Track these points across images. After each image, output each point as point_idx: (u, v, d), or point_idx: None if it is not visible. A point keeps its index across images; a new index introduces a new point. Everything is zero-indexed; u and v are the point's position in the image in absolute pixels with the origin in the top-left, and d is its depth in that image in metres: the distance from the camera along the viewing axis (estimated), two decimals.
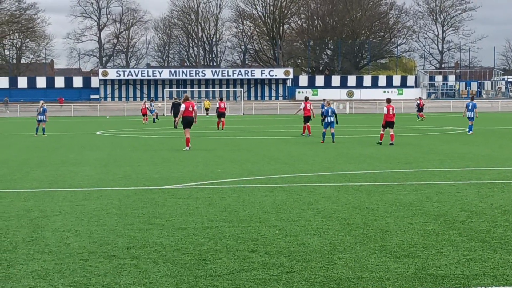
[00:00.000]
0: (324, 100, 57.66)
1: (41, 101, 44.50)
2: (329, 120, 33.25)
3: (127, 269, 9.01)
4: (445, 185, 17.14)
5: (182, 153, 27.48)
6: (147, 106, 60.59)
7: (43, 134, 41.69)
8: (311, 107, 39.42)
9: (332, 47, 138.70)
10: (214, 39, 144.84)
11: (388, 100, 32.64)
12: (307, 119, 39.18)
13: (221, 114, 48.63)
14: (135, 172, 20.67)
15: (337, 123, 33.58)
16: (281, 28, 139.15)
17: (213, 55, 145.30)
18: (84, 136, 41.89)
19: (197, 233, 11.25)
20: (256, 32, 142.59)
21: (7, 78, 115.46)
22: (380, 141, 31.78)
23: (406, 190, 16.20)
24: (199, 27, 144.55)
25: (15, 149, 31.14)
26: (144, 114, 59.75)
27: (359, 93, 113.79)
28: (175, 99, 62.12)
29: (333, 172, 20.39)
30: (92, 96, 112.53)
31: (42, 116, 41.82)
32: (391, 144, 31.02)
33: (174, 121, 48.06)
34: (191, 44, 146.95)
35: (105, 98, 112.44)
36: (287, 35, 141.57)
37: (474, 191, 15.89)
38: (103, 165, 23.12)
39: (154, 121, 60.92)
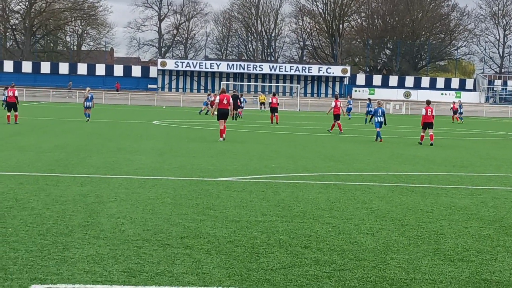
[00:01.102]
0: (369, 99, 58.68)
1: (88, 88, 46.06)
2: (378, 120, 34.19)
3: (180, 258, 9.09)
4: (501, 190, 16.93)
5: (237, 146, 27.56)
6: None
7: (88, 120, 43.00)
8: (341, 105, 40.71)
9: (391, 47, 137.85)
10: (273, 34, 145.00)
11: (428, 102, 34.20)
12: (336, 116, 40.30)
13: (274, 109, 49.61)
14: (190, 163, 20.79)
15: (385, 124, 34.54)
16: (341, 25, 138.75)
17: (271, 50, 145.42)
18: (140, 125, 42.26)
19: (250, 226, 11.29)
20: (315, 29, 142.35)
21: (67, 64, 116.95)
22: (420, 142, 32.91)
23: (461, 193, 16.04)
24: (259, 21, 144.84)
25: (74, 135, 31.56)
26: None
27: (416, 94, 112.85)
28: (233, 91, 62.74)
29: (388, 172, 20.28)
30: (149, 86, 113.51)
31: (89, 103, 43.16)
32: (431, 144, 32.06)
33: (233, 114, 50.08)
34: (249, 38, 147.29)
35: (163, 88, 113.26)
36: (346, 33, 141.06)
37: None
38: (158, 154, 23.30)
39: (199, 113, 61.38)
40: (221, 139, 30.08)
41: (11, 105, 38.32)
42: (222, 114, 30.27)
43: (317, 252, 9.67)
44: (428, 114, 32.83)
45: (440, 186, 17.29)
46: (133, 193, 14.34)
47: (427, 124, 32.84)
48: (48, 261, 8.72)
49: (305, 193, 15.19)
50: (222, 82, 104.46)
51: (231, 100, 30.95)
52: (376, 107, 35.33)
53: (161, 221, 11.44)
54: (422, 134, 33.00)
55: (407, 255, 9.71)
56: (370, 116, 50.30)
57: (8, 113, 38.30)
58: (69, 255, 9.03)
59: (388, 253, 9.79)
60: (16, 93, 38.57)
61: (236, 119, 53.02)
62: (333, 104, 40.69)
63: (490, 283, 8.42)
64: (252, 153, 24.77)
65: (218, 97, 30.71)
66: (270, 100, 51.21)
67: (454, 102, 67.83)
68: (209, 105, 58.99)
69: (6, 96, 38.70)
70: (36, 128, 35.16)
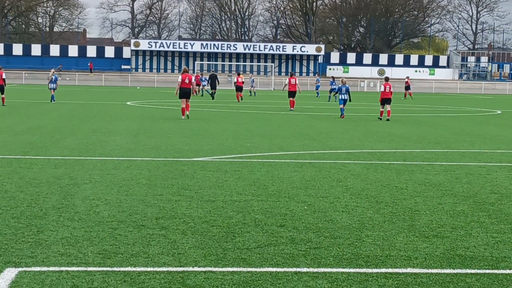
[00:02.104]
0: (332, 77, 60.33)
1: (52, 70, 46.59)
2: (342, 97, 35.10)
3: (155, 239, 9.07)
4: (475, 166, 17.04)
5: (212, 126, 27.52)
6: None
7: (53, 101, 43.41)
8: (296, 82, 41.23)
9: (364, 25, 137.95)
10: (246, 13, 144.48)
11: (386, 79, 35.28)
12: (291, 94, 41.02)
13: (239, 87, 52.26)
14: (165, 143, 20.74)
15: (349, 101, 35.42)
16: (314, 3, 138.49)
17: (245, 29, 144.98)
18: (115, 106, 42.06)
19: (225, 206, 11.28)
20: (289, 7, 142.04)
21: (39, 45, 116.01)
22: (380, 117, 33.90)
23: (435, 170, 16.12)
24: (232, 0, 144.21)
25: (48, 117, 31.35)
26: (198, 85, 58.87)
27: (390, 72, 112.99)
28: (212, 71, 63.41)
29: (363, 150, 20.34)
30: (123, 67, 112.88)
31: (53, 84, 44.02)
32: (388, 120, 33.18)
33: (211, 93, 54.38)
34: (223, 18, 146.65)
35: (136, 69, 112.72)
36: (320, 11, 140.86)
37: (504, 174, 15.78)
38: (133, 135, 23.22)
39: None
40: (183, 117, 31.30)
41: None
42: (184, 93, 31.42)
43: (293, 231, 9.68)
44: (387, 91, 33.99)
45: (415, 163, 17.37)
46: (108, 175, 14.28)
47: (385, 100, 33.95)
48: (22, 244, 8.67)
49: (280, 172, 15.20)
50: (196, 62, 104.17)
51: (193, 79, 32.06)
52: (340, 85, 36.13)
53: (136, 202, 11.41)
54: (381, 109, 34.00)
55: (382, 232, 9.75)
56: (334, 93, 51.04)
57: None
58: (43, 238, 8.98)
59: (363, 230, 9.82)
60: (4, 76, 39.03)
61: (214, 98, 53.63)
62: (286, 81, 41.49)
63: (464, 259, 8.47)
64: (227, 133, 24.74)
65: (180, 77, 31.63)
66: (235, 79, 53.64)
67: (408, 77, 68.37)
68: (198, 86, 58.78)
69: None
70: (9, 111, 34.87)
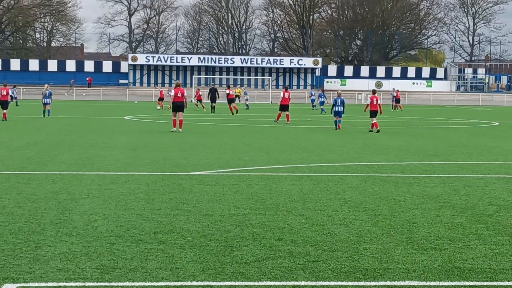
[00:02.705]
0: (321, 90, 62.84)
1: (46, 85, 47.49)
2: (337, 109, 35.63)
3: (154, 253, 9.06)
4: (473, 178, 17.04)
5: (210, 140, 27.53)
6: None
7: (48, 116, 43.82)
8: (289, 96, 41.64)
9: (361, 38, 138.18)
10: (243, 27, 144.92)
11: (373, 92, 36.11)
12: (283, 107, 41.28)
13: (230, 100, 54.19)
14: (162, 157, 20.74)
15: (343, 112, 35.96)
16: (311, 17, 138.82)
17: (242, 43, 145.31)
18: (112, 120, 42.07)
19: (223, 220, 11.28)
20: (286, 21, 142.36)
21: (37, 61, 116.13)
22: (371, 130, 34.24)
23: (433, 182, 16.13)
24: (229, 14, 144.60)
25: (45, 132, 31.36)
26: (199, 100, 61.35)
27: (387, 84, 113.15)
28: (212, 85, 64.95)
29: (360, 162, 20.35)
30: (121, 81, 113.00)
31: (47, 99, 44.50)
32: (373, 131, 33.71)
33: (211, 106, 55.87)
34: (220, 31, 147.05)
35: (134, 83, 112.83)
36: (317, 24, 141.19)
37: (502, 185, 15.79)
38: (131, 149, 23.22)
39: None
40: (174, 129, 31.85)
41: (3, 103, 40.04)
42: (177, 107, 32.00)
43: (291, 244, 9.68)
44: (374, 103, 34.57)
45: (413, 175, 17.37)
46: (106, 189, 14.27)
47: (371, 113, 34.36)
48: (20, 259, 8.66)
49: (278, 186, 15.20)
50: (193, 76, 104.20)
51: (185, 93, 32.44)
52: (335, 97, 36.45)
53: (134, 217, 11.40)
54: (373, 122, 34.28)
55: (380, 245, 9.74)
56: (330, 105, 52.97)
57: (4, 111, 39.99)
58: (41, 253, 8.97)
59: (362, 243, 9.82)
60: (11, 92, 40.00)
61: (214, 112, 54.45)
62: (281, 94, 41.59)
63: (462, 271, 8.47)
64: (225, 147, 24.75)
65: (173, 91, 32.30)
66: (228, 92, 55.68)
67: (397, 91, 69.45)
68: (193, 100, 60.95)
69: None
70: (6, 126, 34.88)
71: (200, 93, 62.78)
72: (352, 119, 45.37)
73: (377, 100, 34.79)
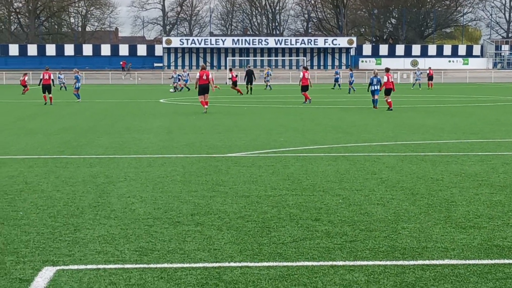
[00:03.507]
0: (350, 69, 63.86)
1: (75, 69, 47.45)
2: (373, 88, 35.59)
3: (191, 235, 9.09)
4: (511, 156, 16.87)
5: (245, 122, 27.53)
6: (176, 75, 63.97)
7: (77, 100, 44.44)
8: (309, 76, 41.61)
9: (396, 16, 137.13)
10: (277, 8, 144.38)
11: (387, 70, 36.13)
12: (304, 88, 41.35)
13: (235, 83, 56.36)
14: (198, 140, 20.78)
15: (380, 91, 35.87)
16: None
17: (276, 24, 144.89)
18: (148, 103, 42.24)
19: (260, 201, 11.28)
20: (319, 0, 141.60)
21: (72, 45, 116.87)
22: (390, 108, 34.42)
23: (471, 160, 15.99)
24: None
25: (81, 116, 31.58)
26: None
27: (423, 63, 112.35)
28: (248, 67, 65.42)
29: (397, 141, 20.23)
30: (155, 64, 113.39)
31: (78, 84, 45.04)
32: (390, 109, 33.98)
33: (247, 87, 57.03)
34: (254, 13, 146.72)
35: (169, 66, 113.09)
36: (351, 3, 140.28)
37: None
38: (166, 132, 23.30)
39: (175, 90, 61.96)
40: (206, 107, 32.61)
41: (46, 87, 41.03)
42: (202, 89, 32.48)
43: (328, 224, 9.66)
44: (389, 81, 34.85)
45: (450, 154, 17.24)
46: (143, 172, 14.34)
47: (386, 91, 34.78)
48: (59, 242, 8.74)
49: (314, 166, 15.16)
50: (228, 58, 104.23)
51: (210, 75, 32.80)
52: (371, 76, 36.40)
53: (171, 199, 11.44)
54: (389, 100, 34.69)
55: (418, 224, 9.69)
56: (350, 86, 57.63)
57: (44, 94, 41.33)
58: (80, 236, 9.04)
59: (399, 222, 9.77)
60: (52, 76, 41.67)
61: (251, 93, 55.67)
62: (301, 75, 41.69)
63: (502, 249, 8.39)
64: (260, 128, 24.74)
65: (198, 74, 32.62)
66: (231, 75, 58.45)
67: (430, 68, 69.09)
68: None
69: (41, 79, 41.47)
70: (43, 111, 35.17)
71: (235, 74, 62.68)
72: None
73: (391, 78, 35.18)
